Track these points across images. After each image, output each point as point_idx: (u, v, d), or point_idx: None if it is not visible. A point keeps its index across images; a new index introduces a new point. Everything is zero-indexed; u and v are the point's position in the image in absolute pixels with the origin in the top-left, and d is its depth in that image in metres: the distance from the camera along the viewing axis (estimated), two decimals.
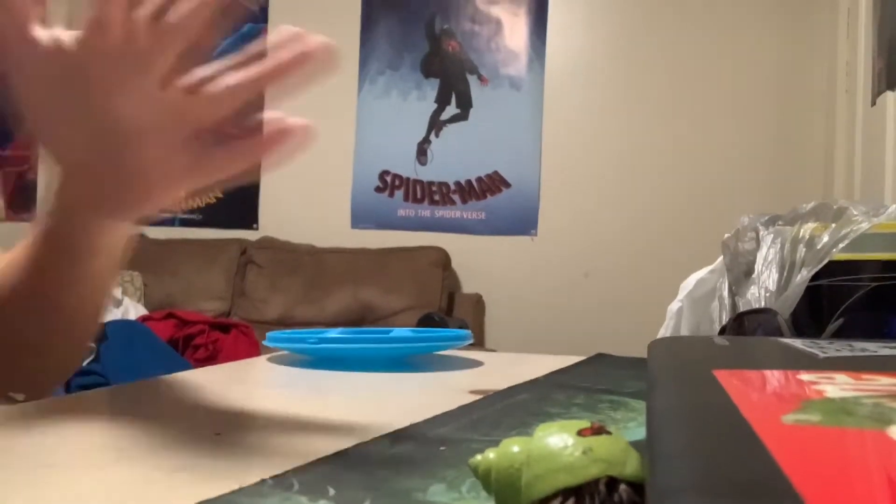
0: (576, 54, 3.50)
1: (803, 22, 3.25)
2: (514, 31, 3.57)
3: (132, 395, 0.47)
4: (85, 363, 1.61)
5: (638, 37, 3.42)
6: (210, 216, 3.85)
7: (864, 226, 0.62)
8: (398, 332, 0.72)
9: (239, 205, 3.83)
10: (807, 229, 0.66)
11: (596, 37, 3.49)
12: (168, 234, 3.78)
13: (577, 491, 0.19)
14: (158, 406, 0.44)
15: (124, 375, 1.57)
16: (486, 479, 0.22)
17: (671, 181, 3.36)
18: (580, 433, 0.20)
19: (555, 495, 0.19)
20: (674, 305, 0.86)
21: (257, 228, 3.78)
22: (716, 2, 3.34)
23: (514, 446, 0.22)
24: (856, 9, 2.69)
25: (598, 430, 0.20)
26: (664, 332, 0.84)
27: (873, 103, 2.42)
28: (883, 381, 0.21)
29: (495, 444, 0.33)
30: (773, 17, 3.29)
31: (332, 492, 0.25)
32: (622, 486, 0.18)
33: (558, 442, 0.20)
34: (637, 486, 0.18)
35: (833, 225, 0.65)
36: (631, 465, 0.19)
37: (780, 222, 0.70)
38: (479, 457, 0.23)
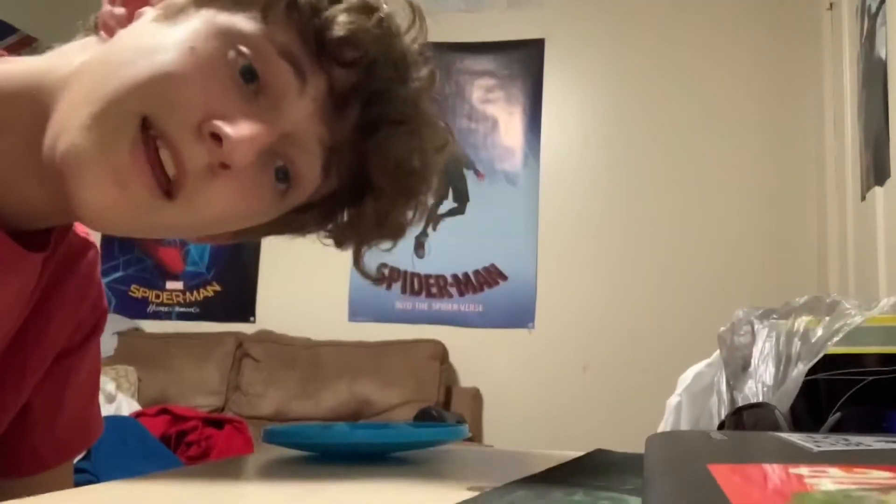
0: (570, 150, 3.59)
1: (792, 120, 3.35)
2: (510, 129, 3.66)
3: (122, 493, 0.46)
4: (76, 461, 1.58)
5: (630, 134, 3.51)
6: (207, 309, 3.85)
7: (857, 319, 0.63)
8: (395, 427, 0.72)
9: (236, 297, 3.83)
10: (801, 323, 0.67)
11: (589, 133, 3.58)
12: (164, 329, 3.77)
13: None
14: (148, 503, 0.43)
15: (115, 473, 1.54)
16: None
17: (667, 274, 3.38)
18: None
19: None
20: (672, 400, 0.85)
21: (254, 321, 3.77)
22: (707, 100, 3.44)
23: None
24: (841, 106, 2.77)
25: None
26: (664, 426, 0.83)
27: (863, 198, 2.46)
28: (874, 475, 0.21)
29: None
30: (764, 115, 3.39)
31: None
32: None
33: None
34: None
35: (827, 319, 0.66)
36: None
37: (774, 316, 0.70)
38: None
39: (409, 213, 0.60)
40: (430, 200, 0.62)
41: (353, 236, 0.61)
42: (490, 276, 3.58)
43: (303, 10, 0.52)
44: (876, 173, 2.29)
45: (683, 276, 3.36)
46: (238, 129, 0.49)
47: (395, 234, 0.61)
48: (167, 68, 0.48)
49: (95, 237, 0.65)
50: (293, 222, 0.60)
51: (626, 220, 3.45)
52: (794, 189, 3.30)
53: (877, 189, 2.28)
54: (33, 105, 0.51)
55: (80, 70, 0.50)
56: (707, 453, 0.31)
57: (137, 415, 2.44)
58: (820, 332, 0.65)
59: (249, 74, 0.50)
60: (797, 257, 3.24)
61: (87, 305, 0.65)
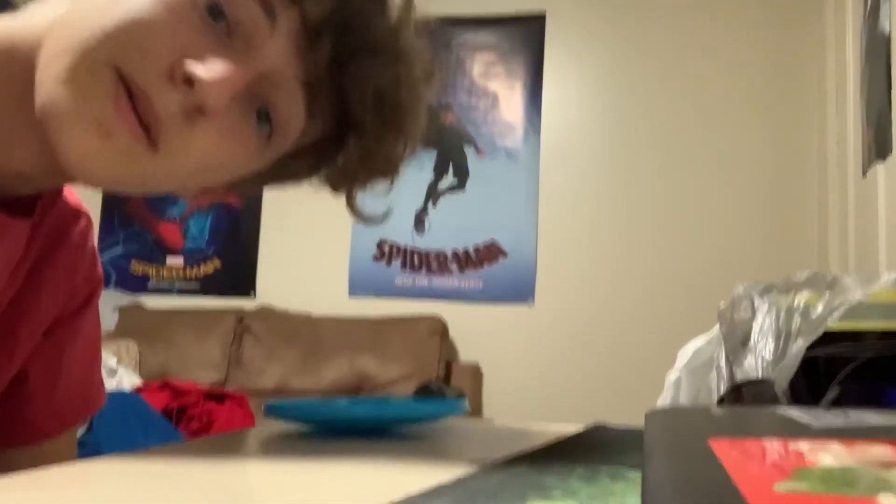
0: (570, 126, 3.57)
1: (793, 96, 3.33)
2: (510, 105, 3.64)
3: (124, 466, 0.47)
4: (78, 434, 1.59)
5: (631, 109, 3.49)
6: (208, 285, 3.86)
7: (858, 296, 0.63)
8: (395, 401, 0.72)
9: (237, 273, 3.84)
10: (801, 298, 0.67)
11: (590, 109, 3.56)
12: (165, 304, 3.78)
13: None
14: (149, 477, 0.43)
15: (117, 447, 1.55)
16: None
17: (667, 250, 3.38)
18: None
19: None
20: (672, 375, 0.86)
21: (254, 296, 3.77)
22: (706, 76, 3.42)
23: None
24: (844, 83, 2.75)
25: None
26: (663, 401, 0.84)
27: (864, 174, 2.46)
28: (875, 450, 0.21)
29: None
30: (764, 91, 3.37)
31: None
32: None
33: None
34: None
35: (827, 294, 0.66)
36: None
37: (774, 291, 0.70)
38: None
39: (399, 149, 0.58)
40: (420, 134, 0.60)
41: (343, 178, 0.59)
42: (490, 252, 3.58)
43: None
44: (878, 149, 2.28)
45: (684, 251, 3.36)
46: (210, 69, 0.48)
47: (386, 171, 0.59)
48: (134, 15, 0.48)
49: (94, 210, 0.64)
50: (285, 170, 0.59)
51: (626, 196, 3.45)
52: (796, 165, 3.29)
53: (878, 165, 2.27)
54: (19, 63, 0.50)
55: (55, 23, 0.50)
56: (707, 428, 0.31)
57: (139, 389, 2.46)
58: (820, 308, 0.65)
59: (216, 11, 0.49)
60: (798, 233, 3.24)
61: (81, 274, 0.65)
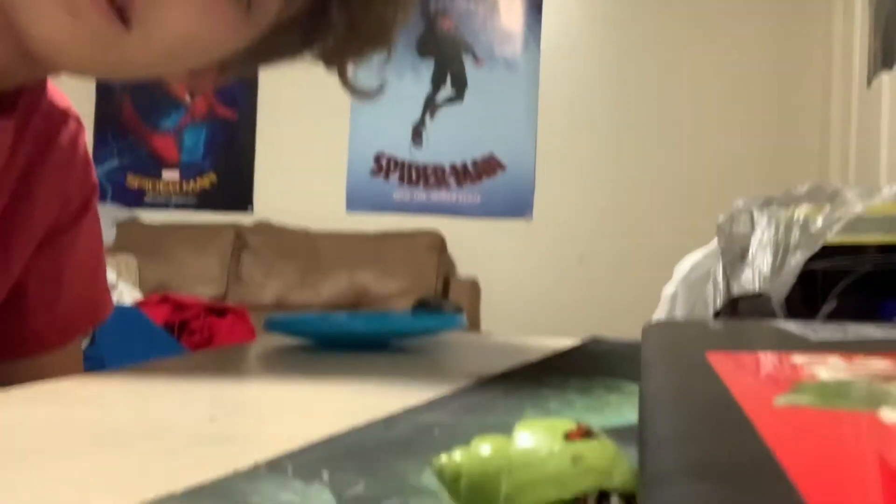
0: (571, 34, 3.49)
1: (798, 3, 3.24)
2: (510, 11, 3.55)
3: (127, 378, 0.47)
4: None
5: (634, 18, 3.41)
6: (205, 199, 3.84)
7: (859, 209, 0.62)
8: (393, 316, 0.72)
9: (233, 187, 3.82)
10: (801, 212, 0.67)
11: (591, 17, 3.47)
12: (162, 219, 3.77)
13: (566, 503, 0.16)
14: (152, 389, 0.44)
15: (120, 359, 1.57)
16: (453, 485, 0.19)
17: (667, 164, 3.36)
18: (568, 437, 0.17)
19: None
20: (668, 289, 0.86)
21: (252, 211, 3.77)
22: None
23: (485, 447, 0.19)
24: None
25: (585, 434, 0.18)
26: (659, 315, 0.84)
27: (869, 84, 2.42)
28: (875, 364, 0.21)
29: (491, 428, 0.34)
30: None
31: (326, 476, 0.25)
32: (613, 500, 0.16)
33: (544, 447, 0.17)
34: (627, 498, 0.16)
35: (827, 207, 0.65)
36: (622, 475, 0.17)
37: (774, 204, 0.70)
38: (443, 458, 0.19)
39: (389, 13, 0.55)
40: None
41: (333, 50, 0.56)
42: (488, 166, 3.56)
43: None
44: (884, 57, 2.23)
45: (684, 165, 3.33)
46: None
47: (377, 39, 0.56)
48: None
49: (87, 123, 0.63)
50: (272, 46, 0.56)
51: (627, 108, 3.40)
52: (799, 75, 3.24)
53: (884, 74, 2.23)
54: None
55: None
56: (704, 341, 0.31)
57: (139, 303, 2.48)
58: (820, 221, 0.64)
59: None
60: (799, 146, 3.21)
61: (74, 180, 0.63)
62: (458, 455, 0.19)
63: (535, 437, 0.18)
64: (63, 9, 0.45)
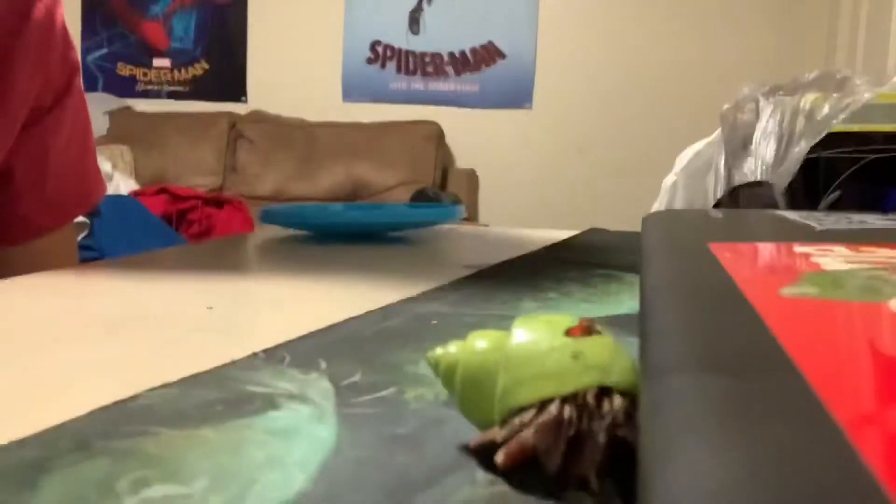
0: None
1: None
2: None
3: (124, 268, 0.47)
4: (79, 238, 1.61)
5: None
6: (198, 88, 3.77)
7: (867, 96, 0.61)
8: (391, 207, 0.72)
9: (227, 76, 3.74)
10: (807, 100, 0.65)
11: None
12: (155, 107, 3.71)
13: (562, 400, 0.16)
14: (150, 280, 0.44)
15: (118, 250, 1.57)
16: (448, 377, 0.19)
17: (671, 52, 3.27)
18: (568, 333, 0.17)
19: (536, 405, 0.16)
20: (668, 179, 0.85)
21: (246, 101, 3.70)
22: None
23: (481, 341, 0.18)
24: None
25: (586, 330, 0.17)
26: (658, 206, 0.84)
27: None
28: (882, 253, 0.20)
29: (490, 318, 0.34)
30: None
31: (323, 364, 0.25)
32: (614, 397, 0.16)
33: (544, 343, 0.17)
34: (629, 397, 0.16)
35: (835, 95, 0.63)
36: (624, 373, 0.16)
37: (780, 92, 0.68)
38: (438, 350, 0.19)
39: None
40: None
41: None
42: (488, 54, 3.47)
43: None
44: None
45: (687, 53, 3.25)
46: None
47: None
48: None
49: (73, 9, 0.60)
50: None
51: None
52: None
53: None
54: None
55: None
56: (706, 231, 0.30)
57: (136, 194, 2.47)
58: (826, 109, 0.63)
59: None
60: (805, 32, 3.12)
61: (54, 57, 0.61)
62: (453, 348, 0.19)
63: (534, 333, 0.17)
64: None
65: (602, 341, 0.17)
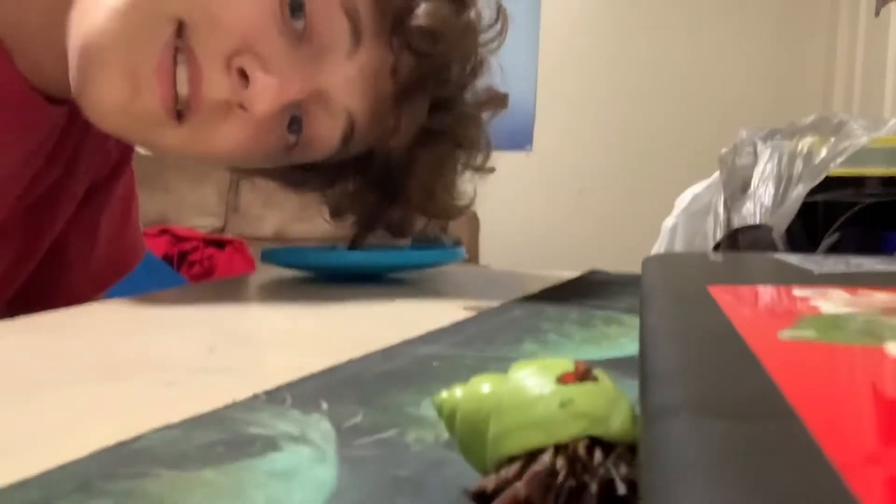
0: None
1: None
2: None
3: (126, 308, 0.47)
4: None
5: None
6: None
7: (864, 140, 0.61)
8: (392, 248, 0.72)
9: None
10: (805, 143, 0.66)
11: None
12: None
13: (554, 450, 0.15)
14: (152, 320, 0.44)
15: (119, 290, 1.57)
16: (450, 421, 0.19)
17: (669, 95, 3.31)
18: (561, 379, 0.16)
19: (524, 455, 0.16)
20: (668, 221, 0.86)
21: None
22: None
23: (484, 385, 0.18)
24: None
25: (582, 375, 0.16)
26: (658, 248, 0.84)
27: (877, 14, 2.36)
28: (879, 297, 0.21)
29: (491, 360, 0.34)
30: None
31: (324, 406, 0.25)
32: (607, 447, 0.15)
33: (533, 389, 0.16)
34: (623, 446, 0.15)
35: (832, 139, 0.64)
36: (619, 421, 0.15)
37: (778, 136, 0.69)
38: (444, 394, 0.19)
39: (421, 224, 0.59)
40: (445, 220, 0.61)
41: (356, 221, 0.60)
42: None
43: None
44: None
45: (686, 96, 3.29)
46: (268, 77, 0.45)
47: (400, 233, 0.61)
48: None
49: None
50: (292, 176, 0.58)
51: (630, 38, 3.33)
52: (805, 4, 3.16)
53: (893, 4, 2.18)
54: None
55: None
56: (705, 274, 0.31)
57: None
58: (823, 152, 0.63)
59: (297, 8, 0.46)
60: (804, 75, 3.16)
61: (113, 139, 0.63)
62: (458, 391, 0.19)
63: (526, 379, 0.17)
64: (127, 78, 0.44)
65: (597, 388, 0.16)
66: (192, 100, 0.46)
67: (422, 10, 0.49)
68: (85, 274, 0.65)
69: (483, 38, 0.56)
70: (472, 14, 0.53)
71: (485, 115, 0.58)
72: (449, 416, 0.18)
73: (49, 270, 0.62)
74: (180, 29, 0.45)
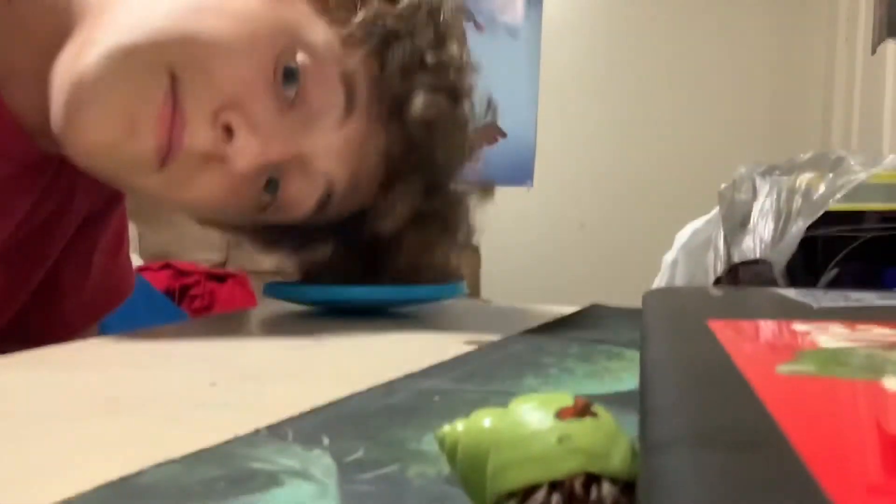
0: (573, 2, 3.44)
1: None
2: None
3: (127, 343, 0.47)
4: None
5: None
6: None
7: (862, 176, 0.62)
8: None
9: None
10: (803, 179, 0.66)
11: None
12: None
13: (550, 486, 0.15)
14: (153, 355, 0.44)
15: (120, 325, 1.57)
16: (451, 455, 0.19)
17: (668, 131, 3.34)
18: (559, 414, 0.16)
19: (522, 491, 0.16)
20: (669, 256, 0.86)
21: None
22: None
23: (485, 419, 0.18)
24: None
25: (581, 411, 0.16)
26: (659, 282, 0.84)
27: (873, 52, 2.39)
28: (877, 332, 0.21)
29: (492, 395, 0.34)
30: None
31: (326, 441, 0.25)
32: (604, 485, 0.15)
33: (531, 425, 0.16)
34: (621, 482, 0.15)
35: (830, 175, 0.65)
36: (618, 458, 0.15)
37: (777, 172, 0.69)
38: (446, 427, 0.19)
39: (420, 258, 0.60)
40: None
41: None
42: (489, 133, 3.53)
43: (392, 60, 0.49)
44: (889, 25, 2.21)
45: (685, 132, 3.31)
46: (251, 138, 0.46)
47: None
48: (218, 32, 0.45)
49: None
50: (265, 235, 0.59)
51: (628, 76, 3.37)
52: (803, 41, 3.20)
53: (889, 42, 2.21)
54: (58, 16, 0.47)
55: None
56: (705, 309, 0.31)
57: (141, 269, 2.48)
58: (822, 188, 0.64)
59: (290, 76, 0.47)
60: (802, 112, 3.19)
61: None
62: (459, 426, 0.19)
63: (524, 414, 0.17)
64: (123, 122, 0.45)
65: (596, 424, 0.16)
66: (174, 147, 0.46)
67: (420, 100, 0.51)
68: (78, 304, 0.65)
69: (473, 127, 0.58)
70: (466, 107, 0.55)
71: (472, 199, 0.60)
72: (450, 451, 0.18)
73: (42, 300, 0.62)
74: (174, 80, 0.45)
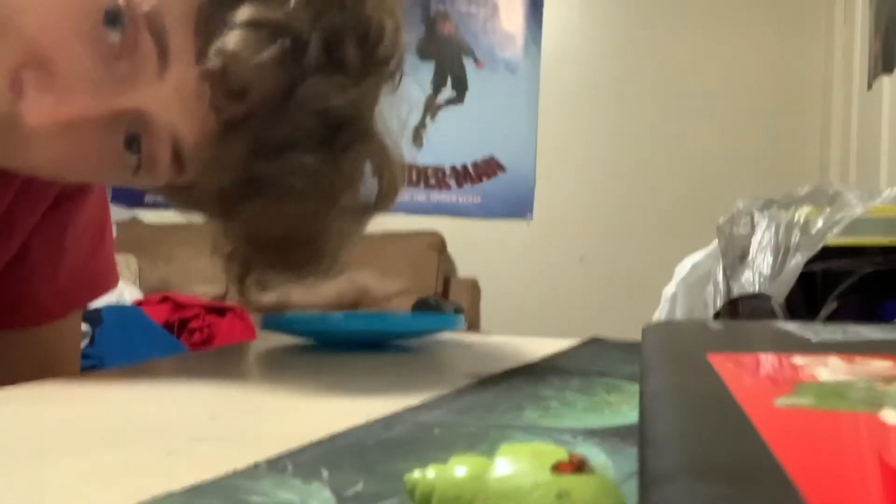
0: (572, 38, 3.49)
1: (800, 5, 3.24)
2: (510, 13, 3.55)
3: (126, 377, 0.47)
4: (81, 346, 1.60)
5: (634, 20, 3.41)
6: None
7: (859, 210, 0.62)
8: (392, 316, 0.72)
9: None
10: (801, 213, 0.67)
11: (591, 19, 3.47)
12: (162, 219, 3.77)
13: None
14: (153, 388, 0.44)
15: (120, 359, 1.57)
16: (423, 503, 0.18)
17: (667, 165, 3.36)
18: (556, 469, 0.16)
19: None
20: (668, 290, 0.86)
21: None
22: None
23: (460, 468, 0.17)
24: None
25: (577, 467, 0.16)
26: (659, 316, 0.84)
27: (869, 87, 2.42)
28: (875, 365, 0.21)
29: (491, 428, 0.33)
30: (771, 0, 3.28)
31: (325, 474, 0.25)
32: None
33: (528, 478, 0.15)
34: None
35: (828, 209, 0.65)
36: None
37: (775, 206, 0.70)
38: (416, 474, 0.18)
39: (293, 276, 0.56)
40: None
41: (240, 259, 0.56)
42: (489, 167, 3.55)
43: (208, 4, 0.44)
44: (884, 61, 2.23)
45: (684, 166, 3.33)
46: (43, 95, 0.42)
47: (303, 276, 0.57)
48: None
49: None
50: (180, 197, 0.54)
51: (627, 109, 3.40)
52: (799, 77, 3.23)
53: (884, 77, 2.23)
54: None
55: None
56: (705, 342, 0.31)
57: (139, 303, 2.48)
58: (820, 222, 0.64)
59: (113, 18, 0.42)
60: (799, 147, 3.21)
61: None
62: (431, 473, 0.18)
63: (518, 465, 0.16)
64: (7, 84, 0.42)
65: (592, 481, 0.16)
66: None
67: (231, 38, 0.44)
68: (51, 289, 0.63)
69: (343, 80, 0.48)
70: (289, 44, 0.45)
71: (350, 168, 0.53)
72: (422, 499, 0.17)
73: (11, 282, 0.61)
74: None
